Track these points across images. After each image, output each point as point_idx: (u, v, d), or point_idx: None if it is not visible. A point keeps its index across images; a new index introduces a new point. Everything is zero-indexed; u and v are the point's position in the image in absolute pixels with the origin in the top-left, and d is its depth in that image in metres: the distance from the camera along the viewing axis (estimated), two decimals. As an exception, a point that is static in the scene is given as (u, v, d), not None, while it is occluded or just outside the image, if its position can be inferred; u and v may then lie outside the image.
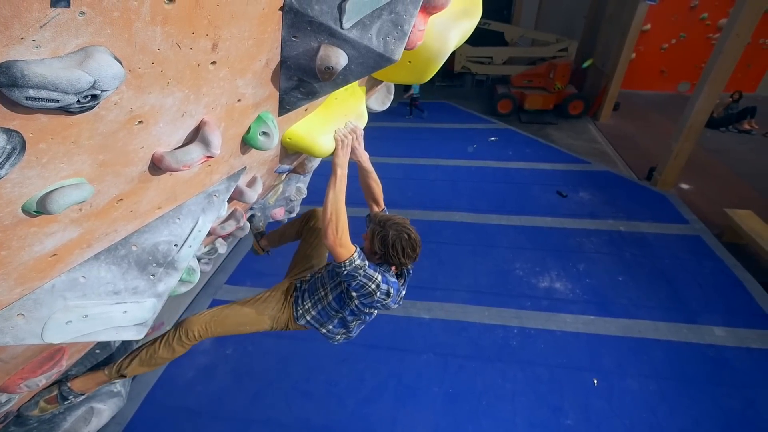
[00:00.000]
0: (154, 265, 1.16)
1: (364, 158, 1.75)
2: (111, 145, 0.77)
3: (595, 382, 3.24)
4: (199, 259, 2.11)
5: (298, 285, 1.91)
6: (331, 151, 1.60)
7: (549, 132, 7.91)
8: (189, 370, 3.34)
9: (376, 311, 1.76)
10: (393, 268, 1.67)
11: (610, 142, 7.38)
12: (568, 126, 8.17)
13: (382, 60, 1.00)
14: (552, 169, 6.46)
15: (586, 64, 8.10)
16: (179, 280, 1.34)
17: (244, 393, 3.17)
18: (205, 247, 1.90)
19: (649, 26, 8.89)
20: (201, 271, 2.14)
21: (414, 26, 1.00)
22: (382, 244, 1.58)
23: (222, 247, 2.16)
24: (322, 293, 1.78)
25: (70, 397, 1.67)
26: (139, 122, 0.78)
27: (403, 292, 1.75)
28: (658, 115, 8.49)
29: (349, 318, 1.78)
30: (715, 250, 4.56)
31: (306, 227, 2.16)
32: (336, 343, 1.92)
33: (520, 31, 8.98)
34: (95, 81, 0.56)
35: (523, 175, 6.31)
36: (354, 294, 1.60)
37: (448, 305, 3.96)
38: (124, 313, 1.12)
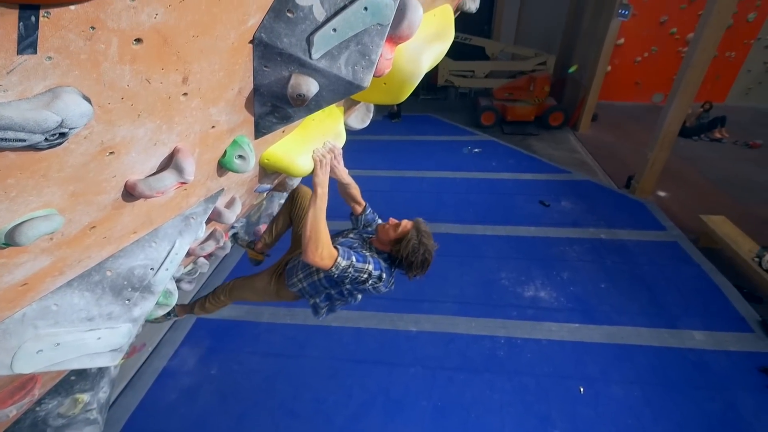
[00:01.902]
0: (130, 289, 1.16)
1: (344, 175, 1.80)
2: (82, 176, 0.78)
3: (582, 390, 3.27)
4: (179, 280, 2.09)
5: (294, 258, 2.03)
6: (310, 170, 1.63)
7: (531, 143, 8.10)
8: (172, 392, 3.26)
9: (361, 295, 1.87)
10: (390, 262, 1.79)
11: (590, 152, 7.60)
12: (549, 137, 8.39)
13: (352, 87, 1.04)
14: (534, 179, 6.60)
15: (571, 70, 8.36)
16: (156, 304, 1.34)
17: (230, 414, 3.10)
18: (184, 267, 1.89)
19: (622, 40, 9.26)
20: (183, 291, 2.13)
21: (381, 55, 1.05)
22: (412, 253, 1.69)
23: (204, 267, 2.15)
24: (313, 269, 1.85)
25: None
26: (111, 153, 0.80)
27: (393, 280, 1.85)
28: (634, 125, 8.79)
29: (336, 296, 1.89)
30: (692, 256, 4.70)
31: (294, 210, 2.23)
32: (320, 317, 2.01)
33: (501, 46, 9.26)
34: (63, 120, 0.58)
35: (507, 186, 6.43)
36: (347, 283, 1.72)
37: (435, 317, 3.97)
38: (97, 339, 1.11)
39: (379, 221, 2.00)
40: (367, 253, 1.71)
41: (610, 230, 5.21)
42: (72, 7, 0.53)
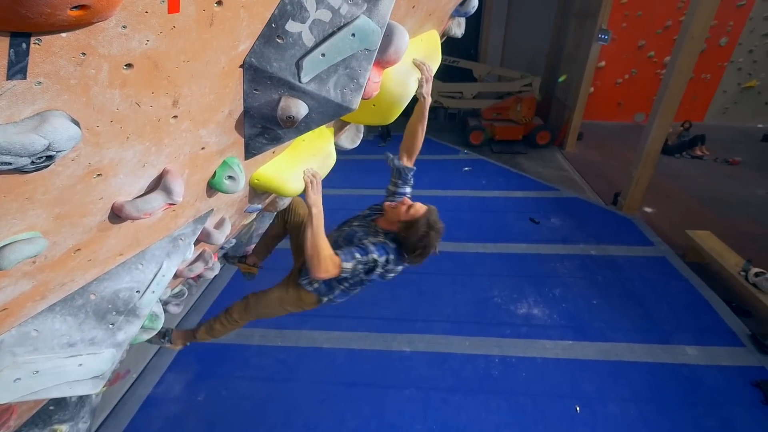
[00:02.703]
0: (114, 313, 1.14)
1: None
2: (68, 198, 0.78)
3: (578, 409, 3.23)
4: (167, 302, 2.05)
5: (305, 264, 2.04)
6: (301, 190, 1.64)
7: (519, 161, 8.26)
8: (156, 421, 3.13)
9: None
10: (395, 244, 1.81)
11: (577, 170, 7.76)
12: (537, 155, 8.57)
13: (341, 109, 1.06)
14: (524, 196, 6.70)
15: (561, 79, 8.61)
16: (141, 327, 1.30)
17: (217, 443, 2.98)
18: (172, 290, 1.86)
19: (603, 63, 9.65)
20: (171, 314, 2.08)
21: (369, 79, 1.08)
22: (419, 237, 1.71)
23: (192, 288, 2.11)
24: None
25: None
26: (98, 175, 0.80)
27: (399, 268, 1.88)
28: (618, 143, 9.05)
29: (351, 287, 1.95)
30: (680, 271, 4.76)
31: (289, 217, 2.25)
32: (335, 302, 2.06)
33: (487, 68, 9.56)
34: (50, 143, 0.59)
35: (498, 204, 6.51)
36: (360, 275, 1.77)
37: (428, 337, 3.92)
38: (79, 366, 1.07)
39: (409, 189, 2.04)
40: (369, 241, 1.74)
41: (599, 246, 5.27)
42: (63, 35, 0.54)
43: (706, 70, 9.68)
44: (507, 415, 3.17)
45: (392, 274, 1.84)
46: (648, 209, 6.21)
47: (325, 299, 2.01)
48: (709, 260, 4.75)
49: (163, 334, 2.31)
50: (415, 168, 2.07)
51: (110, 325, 1.13)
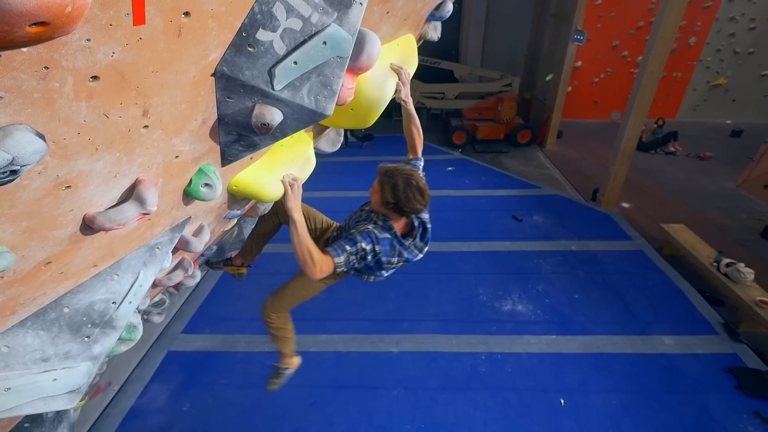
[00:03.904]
0: (90, 325, 1.12)
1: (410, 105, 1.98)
2: (36, 211, 0.77)
3: (562, 402, 3.31)
4: (148, 312, 2.02)
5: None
6: (280, 195, 1.64)
7: (502, 160, 8.40)
8: (140, 434, 3.07)
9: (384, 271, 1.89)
10: (403, 220, 1.80)
11: (557, 168, 7.94)
12: (518, 154, 8.73)
13: (316, 115, 1.08)
14: (507, 195, 6.82)
15: (548, 78, 8.76)
16: (119, 339, 1.28)
17: (203, 454, 2.94)
18: (152, 299, 1.83)
19: (580, 63, 9.90)
20: (153, 323, 2.05)
21: (343, 85, 1.09)
22: (394, 192, 1.67)
23: (174, 297, 2.08)
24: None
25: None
26: (67, 187, 0.79)
27: (421, 246, 1.86)
28: (596, 141, 9.29)
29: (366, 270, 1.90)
30: (656, 263, 4.93)
31: (283, 218, 2.19)
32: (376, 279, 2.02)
33: (468, 69, 9.69)
34: (13, 158, 0.58)
35: (481, 202, 6.60)
36: (362, 262, 1.76)
37: (416, 336, 3.95)
38: (53, 381, 1.05)
39: (421, 169, 2.01)
40: (357, 230, 1.73)
41: (580, 242, 5.40)
42: (24, 49, 0.54)
43: (677, 69, 10.04)
44: (494, 411, 3.23)
45: (397, 260, 1.78)
46: (625, 204, 6.40)
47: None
48: (683, 252, 4.93)
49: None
50: (419, 158, 2.08)
51: (86, 338, 1.11)
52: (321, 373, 3.56)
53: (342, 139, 2.30)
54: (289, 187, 1.63)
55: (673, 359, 3.65)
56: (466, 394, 3.38)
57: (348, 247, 1.68)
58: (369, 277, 1.97)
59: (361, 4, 0.96)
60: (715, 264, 4.43)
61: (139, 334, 1.37)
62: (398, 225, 1.80)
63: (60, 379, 1.06)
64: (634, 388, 3.40)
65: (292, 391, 3.41)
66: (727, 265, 4.31)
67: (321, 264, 1.61)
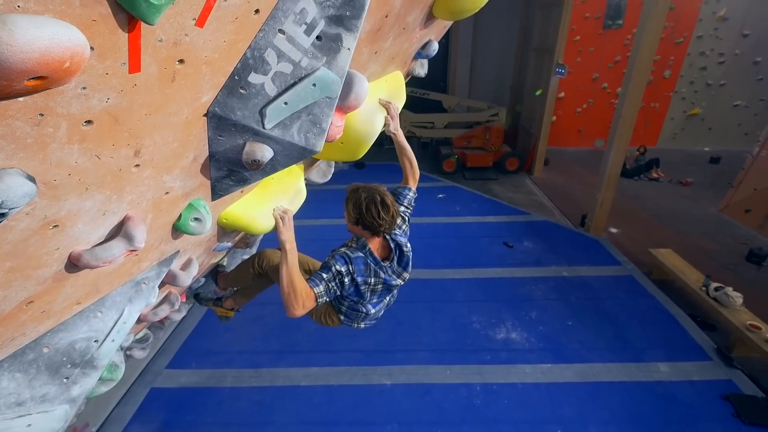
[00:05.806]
0: (69, 366, 1.08)
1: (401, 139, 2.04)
2: (21, 251, 0.76)
3: (560, 434, 3.22)
4: (130, 348, 1.95)
5: None
6: (271, 227, 1.64)
7: (491, 187, 8.55)
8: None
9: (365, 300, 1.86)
10: (378, 241, 1.79)
11: (546, 194, 8.10)
12: (507, 181, 8.91)
13: (305, 152, 1.11)
14: (497, 221, 6.89)
15: (538, 93, 9.02)
16: (99, 379, 1.24)
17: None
18: (135, 335, 1.78)
19: (563, 94, 10.33)
20: (136, 358, 1.98)
21: (332, 123, 1.13)
22: (355, 208, 1.68)
23: (158, 331, 2.02)
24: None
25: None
26: (55, 226, 0.79)
27: (399, 271, 1.87)
28: (581, 168, 9.55)
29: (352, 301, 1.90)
30: (647, 288, 4.96)
31: (265, 268, 2.15)
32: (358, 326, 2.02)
33: (456, 100, 10.05)
34: (2, 201, 0.59)
35: (472, 229, 6.65)
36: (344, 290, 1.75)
37: (409, 368, 3.86)
38: (27, 426, 1.00)
39: (409, 198, 2.04)
40: (331, 255, 1.74)
41: (571, 267, 5.43)
42: (21, 99, 0.56)
43: (655, 100, 10.53)
44: (491, 446, 3.12)
45: (374, 280, 1.77)
46: (613, 230, 6.50)
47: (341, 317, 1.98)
48: (672, 277, 4.98)
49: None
50: (410, 187, 2.10)
51: (64, 379, 1.07)
52: (312, 409, 3.43)
53: (333, 170, 2.34)
54: (280, 220, 1.63)
55: (669, 387, 3.60)
56: (462, 428, 3.27)
57: (324, 275, 1.67)
58: (357, 321, 1.96)
59: (348, 49, 1.01)
60: (703, 288, 4.47)
61: (120, 373, 1.32)
62: (374, 245, 1.80)
63: (35, 425, 1.01)
64: (632, 419, 3.33)
65: (282, 429, 3.28)
66: (716, 289, 4.35)
67: (303, 297, 1.58)
